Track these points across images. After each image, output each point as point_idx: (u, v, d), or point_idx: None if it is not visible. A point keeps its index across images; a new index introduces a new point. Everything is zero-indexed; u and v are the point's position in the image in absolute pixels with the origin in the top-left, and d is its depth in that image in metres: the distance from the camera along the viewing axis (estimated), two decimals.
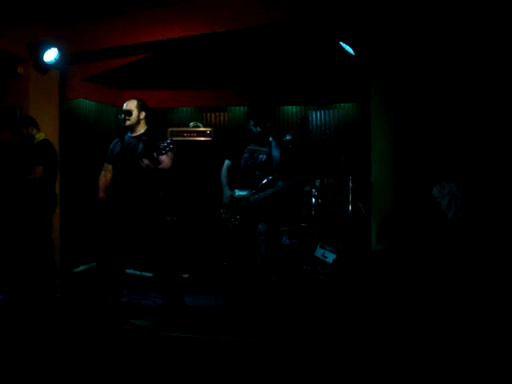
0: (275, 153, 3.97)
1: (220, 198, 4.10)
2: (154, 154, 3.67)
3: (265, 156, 3.97)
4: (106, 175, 4.12)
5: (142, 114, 4.02)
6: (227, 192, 4.01)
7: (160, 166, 3.77)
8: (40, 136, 4.43)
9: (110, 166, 4.13)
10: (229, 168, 4.12)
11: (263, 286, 4.08)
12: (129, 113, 3.95)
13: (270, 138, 4.04)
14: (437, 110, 3.98)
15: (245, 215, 3.91)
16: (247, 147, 4.05)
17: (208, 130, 5.94)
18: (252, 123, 4.06)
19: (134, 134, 4.02)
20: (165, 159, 3.78)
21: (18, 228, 4.41)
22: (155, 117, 6.19)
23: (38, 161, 4.28)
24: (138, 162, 3.72)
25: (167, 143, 3.64)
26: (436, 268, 3.56)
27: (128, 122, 3.96)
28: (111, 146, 4.16)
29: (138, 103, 4.02)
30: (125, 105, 4.02)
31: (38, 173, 4.24)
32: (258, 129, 4.03)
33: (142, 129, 4.02)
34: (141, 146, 3.89)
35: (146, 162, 3.69)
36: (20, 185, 4.31)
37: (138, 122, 4.00)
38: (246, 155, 4.02)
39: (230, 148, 4.20)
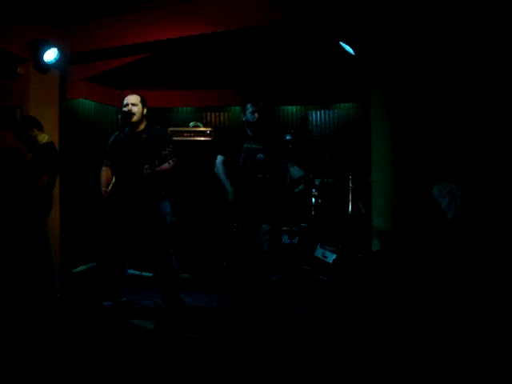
0: (271, 152, 3.94)
1: (220, 196, 4.06)
2: (156, 162, 3.65)
3: (262, 155, 3.93)
4: (106, 172, 4.09)
5: (145, 110, 4.00)
6: (231, 189, 3.95)
7: (158, 169, 3.73)
8: (43, 138, 4.35)
9: (110, 163, 4.12)
10: (224, 162, 4.07)
11: (263, 286, 4.07)
12: (135, 106, 3.90)
13: (265, 137, 4.00)
14: (437, 109, 3.98)
15: (251, 215, 3.88)
16: (243, 145, 3.99)
17: (208, 129, 5.93)
18: (250, 110, 3.95)
19: (134, 130, 3.98)
20: (165, 165, 3.73)
21: (13, 228, 4.40)
22: (155, 117, 6.19)
23: (44, 169, 4.22)
24: (138, 165, 3.70)
25: (169, 151, 3.61)
26: (436, 268, 3.55)
27: (133, 117, 3.89)
28: (110, 141, 4.12)
29: (141, 98, 3.98)
30: (128, 98, 3.94)
31: (45, 181, 4.21)
32: (256, 116, 3.92)
33: (142, 125, 4.00)
34: (141, 145, 3.88)
35: (147, 170, 3.67)
36: (28, 193, 4.27)
37: (141, 117, 3.96)
38: (243, 155, 3.98)
39: (224, 143, 4.15)
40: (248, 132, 4.02)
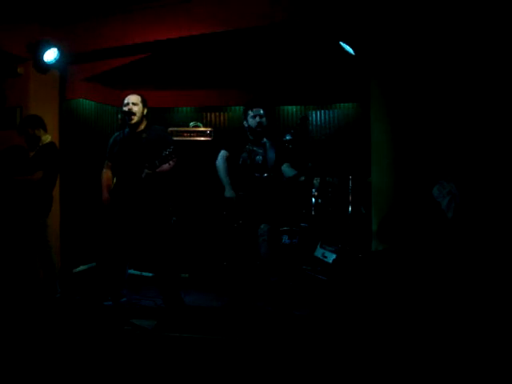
0: (270, 154, 3.98)
1: (220, 196, 4.06)
2: (156, 162, 3.65)
3: (261, 157, 3.99)
4: (107, 172, 4.10)
5: (145, 110, 3.99)
6: (230, 190, 3.93)
7: (159, 169, 3.72)
8: (46, 138, 4.39)
9: (111, 163, 4.12)
10: (227, 158, 4.05)
11: (263, 286, 4.07)
12: (135, 105, 3.89)
13: (265, 139, 4.04)
14: (437, 109, 3.98)
15: (248, 216, 3.88)
16: (246, 146, 4.02)
17: (208, 129, 5.94)
18: (251, 115, 3.98)
19: (134, 130, 3.97)
20: (166, 166, 3.72)
21: (12, 228, 4.40)
22: (155, 117, 6.19)
23: (39, 165, 4.25)
24: (139, 166, 3.70)
25: (169, 152, 3.61)
26: (436, 268, 3.55)
27: (133, 117, 3.88)
28: (110, 141, 4.12)
29: (141, 98, 3.97)
30: (129, 98, 3.94)
31: (37, 176, 4.22)
32: (257, 121, 3.96)
33: (142, 125, 3.99)
34: (142, 145, 3.88)
35: (147, 171, 3.66)
36: (17, 183, 4.29)
37: (141, 117, 3.95)
38: (244, 154, 4.01)
39: (228, 139, 4.15)
40: (249, 136, 4.05)
